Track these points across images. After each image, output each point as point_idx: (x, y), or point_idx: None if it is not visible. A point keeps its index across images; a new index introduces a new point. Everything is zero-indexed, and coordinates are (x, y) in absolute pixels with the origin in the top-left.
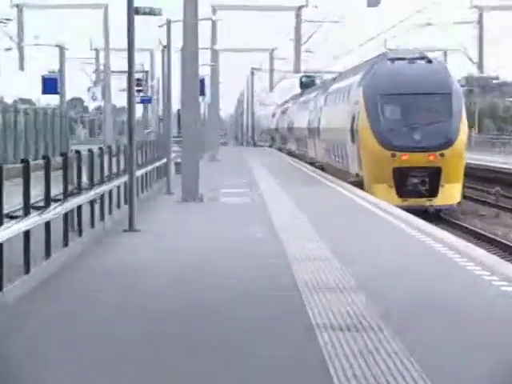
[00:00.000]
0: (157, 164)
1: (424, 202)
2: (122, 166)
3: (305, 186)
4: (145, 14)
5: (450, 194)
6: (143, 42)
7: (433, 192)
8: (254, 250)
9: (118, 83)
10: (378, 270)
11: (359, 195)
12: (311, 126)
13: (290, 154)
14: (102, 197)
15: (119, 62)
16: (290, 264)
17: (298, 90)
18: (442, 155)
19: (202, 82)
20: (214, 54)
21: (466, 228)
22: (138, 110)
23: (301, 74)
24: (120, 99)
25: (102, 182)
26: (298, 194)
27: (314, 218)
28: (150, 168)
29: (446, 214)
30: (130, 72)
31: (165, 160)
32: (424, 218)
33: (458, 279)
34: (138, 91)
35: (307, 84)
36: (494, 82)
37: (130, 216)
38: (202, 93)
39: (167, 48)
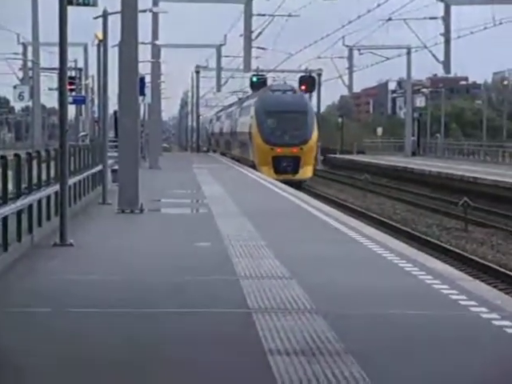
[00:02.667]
0: (92, 171)
1: (290, 176)
2: (52, 174)
3: (232, 174)
4: (79, 4)
5: (306, 172)
6: (77, 36)
7: (295, 171)
8: (199, 266)
9: (48, 81)
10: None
11: (246, 169)
12: (232, 131)
13: (222, 154)
14: (30, 207)
15: (49, 57)
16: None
17: (249, 90)
18: (301, 149)
19: (142, 80)
20: (156, 50)
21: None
22: (71, 111)
23: (251, 73)
24: (50, 99)
25: (30, 190)
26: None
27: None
28: (83, 175)
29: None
30: (61, 69)
31: (100, 167)
32: (290, 186)
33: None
34: (71, 90)
35: (258, 84)
36: (462, 83)
37: (61, 228)
38: (142, 93)
39: (103, 42)
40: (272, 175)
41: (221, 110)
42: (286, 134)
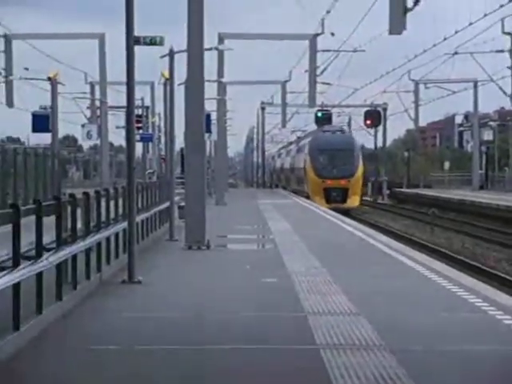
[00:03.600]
0: (159, 208)
1: (339, 205)
2: (120, 211)
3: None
4: (145, 43)
5: (353, 201)
6: (143, 75)
7: (344, 200)
8: (266, 302)
9: (116, 119)
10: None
11: (311, 204)
12: (291, 167)
13: (283, 188)
14: (98, 245)
15: (116, 96)
16: (308, 317)
17: (314, 126)
18: (348, 181)
19: (208, 117)
20: (221, 87)
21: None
22: (138, 148)
23: (316, 109)
24: (117, 137)
25: (98, 228)
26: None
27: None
28: (151, 212)
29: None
30: (129, 107)
31: (168, 204)
32: (339, 213)
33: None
34: (138, 128)
35: (323, 119)
36: None
37: (129, 266)
38: (208, 129)
39: (170, 80)
40: (324, 204)
41: (282, 148)
42: (335, 168)
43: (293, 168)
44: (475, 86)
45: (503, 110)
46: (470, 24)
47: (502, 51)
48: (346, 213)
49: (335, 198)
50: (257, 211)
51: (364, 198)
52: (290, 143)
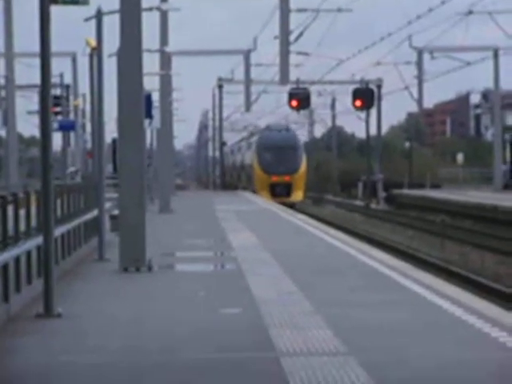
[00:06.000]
0: (84, 218)
1: (284, 199)
2: (33, 223)
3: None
4: (65, 2)
5: (297, 196)
6: (63, 44)
7: (288, 194)
8: (226, 341)
9: (26, 103)
10: None
11: (286, 211)
12: (241, 164)
13: (235, 187)
14: (5, 268)
15: (27, 72)
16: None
17: (286, 109)
18: (292, 177)
19: (149, 98)
20: (165, 59)
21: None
22: (56, 140)
23: (290, 86)
24: (28, 126)
25: (4, 245)
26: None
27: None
28: (74, 224)
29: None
30: (44, 86)
31: (96, 212)
32: (285, 206)
33: None
34: (56, 114)
35: (298, 99)
36: None
37: (45, 295)
38: (149, 114)
39: (97, 51)
40: (269, 198)
41: (243, 139)
42: (280, 164)
43: (243, 165)
44: (496, 55)
45: None
46: None
47: None
48: (292, 207)
49: (280, 192)
50: (213, 220)
51: (354, 203)
52: (241, 139)
